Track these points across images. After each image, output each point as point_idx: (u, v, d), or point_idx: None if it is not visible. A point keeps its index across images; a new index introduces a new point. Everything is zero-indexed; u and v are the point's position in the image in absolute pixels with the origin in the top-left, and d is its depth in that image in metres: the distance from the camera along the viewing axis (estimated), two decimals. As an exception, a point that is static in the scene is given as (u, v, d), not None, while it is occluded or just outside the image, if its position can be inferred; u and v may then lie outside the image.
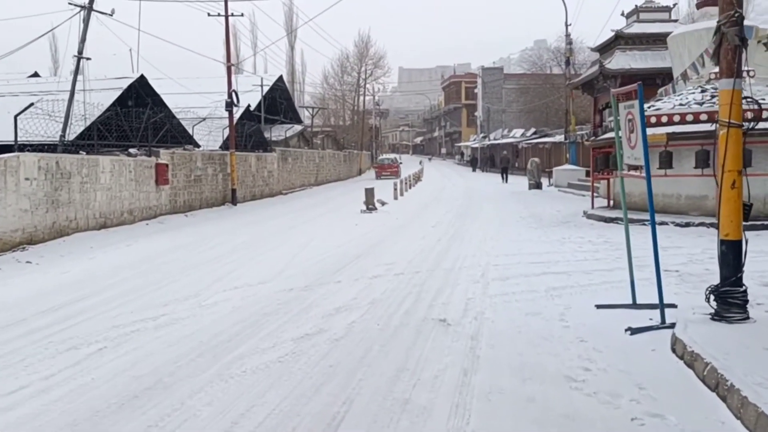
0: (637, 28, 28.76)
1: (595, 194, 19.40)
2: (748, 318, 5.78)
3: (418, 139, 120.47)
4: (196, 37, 55.11)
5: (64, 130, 17.00)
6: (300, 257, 11.23)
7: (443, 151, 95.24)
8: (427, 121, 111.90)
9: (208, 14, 26.21)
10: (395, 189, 25.25)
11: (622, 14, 30.70)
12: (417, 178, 37.36)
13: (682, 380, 4.85)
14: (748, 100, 6.60)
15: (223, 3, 25.00)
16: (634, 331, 6.04)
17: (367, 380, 5.04)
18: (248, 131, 28.20)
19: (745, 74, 7.91)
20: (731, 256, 5.91)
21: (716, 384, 4.51)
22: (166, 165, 19.13)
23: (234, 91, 24.82)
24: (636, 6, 29.64)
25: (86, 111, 18.47)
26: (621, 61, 28.00)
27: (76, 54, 17.96)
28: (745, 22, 6.03)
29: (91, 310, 7.67)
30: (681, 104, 15.67)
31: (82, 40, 17.90)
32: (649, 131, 10.39)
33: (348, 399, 4.67)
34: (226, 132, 25.36)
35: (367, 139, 68.42)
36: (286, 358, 5.64)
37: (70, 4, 17.72)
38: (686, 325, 5.69)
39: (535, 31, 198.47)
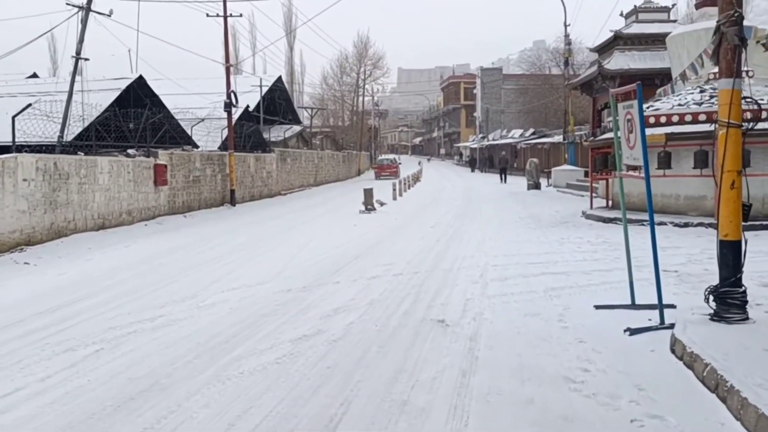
0: (636, 29, 28.76)
1: (593, 194, 19.39)
2: (747, 318, 5.76)
3: (417, 140, 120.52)
4: (195, 37, 55.15)
5: (62, 130, 16.97)
6: (298, 258, 11.21)
7: (442, 151, 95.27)
8: (426, 121, 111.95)
9: (207, 15, 26.20)
10: (394, 189, 25.24)
11: (621, 15, 30.72)
12: (416, 178, 37.35)
13: (681, 381, 4.83)
14: (748, 100, 6.58)
15: (221, 3, 24.98)
16: (633, 331, 6.02)
17: (365, 382, 5.02)
18: (247, 132, 28.17)
19: (744, 74, 7.89)
20: (730, 257, 5.89)
21: (716, 385, 4.49)
22: (165, 166, 19.09)
23: (233, 91, 24.79)
24: (635, 6, 29.64)
25: (84, 112, 18.45)
26: (620, 61, 28.00)
27: (74, 55, 17.94)
28: (744, 23, 6.01)
29: (88, 312, 7.64)
30: (680, 104, 15.67)
31: (80, 41, 17.87)
32: (648, 131, 10.37)
33: (346, 400, 4.64)
34: (225, 133, 25.33)
35: (366, 140, 68.41)
36: (284, 359, 5.62)
37: (68, 4, 17.70)
38: (685, 326, 5.67)
39: (534, 31, 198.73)
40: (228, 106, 24.50)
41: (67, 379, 5.28)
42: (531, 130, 49.93)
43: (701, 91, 15.70)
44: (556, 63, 52.21)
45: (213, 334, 6.48)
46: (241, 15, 38.16)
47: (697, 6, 20.20)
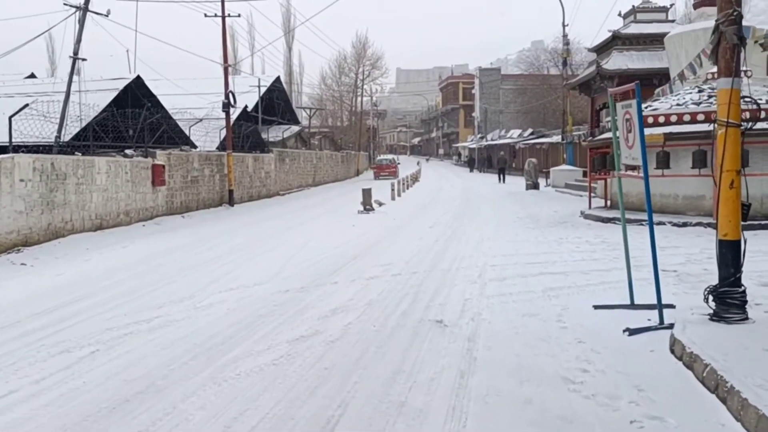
0: (634, 29, 28.78)
1: (592, 194, 19.38)
2: (747, 318, 5.74)
3: (416, 140, 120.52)
4: (193, 37, 55.06)
5: (59, 131, 16.91)
6: (297, 258, 11.18)
7: (441, 151, 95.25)
8: (424, 121, 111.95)
9: (205, 15, 26.10)
10: (393, 190, 25.23)
11: (619, 15, 30.73)
12: (415, 178, 37.35)
13: (681, 382, 4.80)
14: (747, 99, 6.56)
15: (220, 3, 24.93)
16: (632, 331, 5.99)
17: (363, 383, 4.98)
18: (245, 132, 28.12)
19: (742, 74, 7.88)
20: (730, 256, 5.87)
21: (716, 385, 4.46)
22: (163, 166, 19.05)
23: (231, 91, 24.76)
24: (633, 6, 29.65)
25: (82, 112, 18.38)
26: (618, 61, 28.01)
27: (72, 55, 17.89)
28: (743, 22, 5.99)
29: (85, 313, 7.60)
30: (678, 104, 15.66)
31: (78, 41, 17.82)
32: (647, 131, 10.34)
33: (343, 402, 4.61)
34: (223, 133, 25.28)
35: (365, 140, 68.41)
36: (281, 360, 5.58)
37: (65, 4, 17.65)
38: (685, 326, 5.64)
39: (532, 31, 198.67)
40: (226, 107, 24.46)
41: (62, 380, 5.25)
42: (529, 130, 49.96)
43: (699, 91, 15.70)
44: (555, 63, 52.22)
45: (210, 335, 6.45)
46: (239, 15, 38.39)
47: (696, 6, 20.22)
